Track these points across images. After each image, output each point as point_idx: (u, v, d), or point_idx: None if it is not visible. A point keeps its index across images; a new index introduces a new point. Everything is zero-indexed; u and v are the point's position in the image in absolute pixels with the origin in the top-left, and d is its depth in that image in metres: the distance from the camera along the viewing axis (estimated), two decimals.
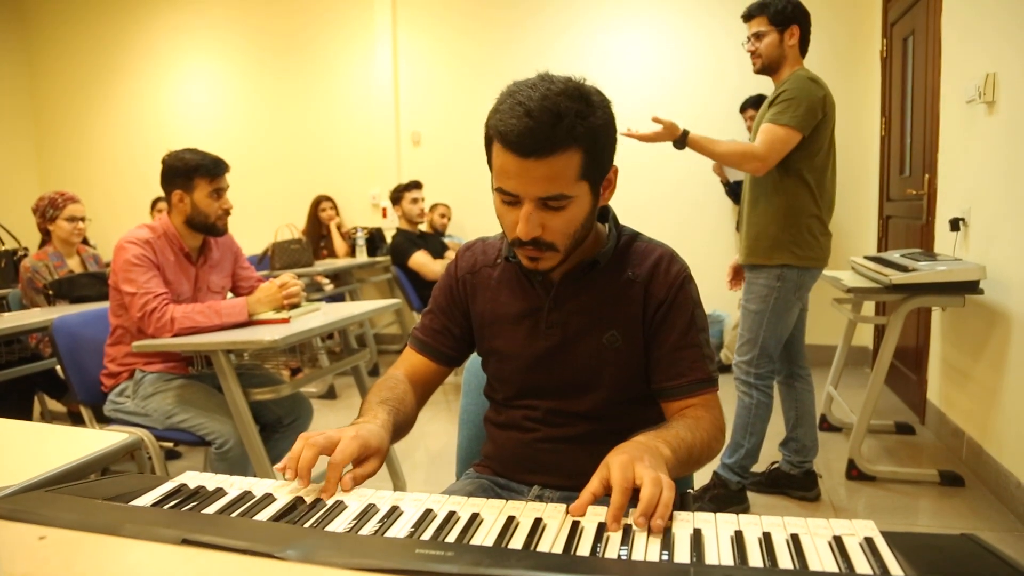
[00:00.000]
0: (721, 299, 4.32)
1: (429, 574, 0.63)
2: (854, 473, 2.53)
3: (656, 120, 2.10)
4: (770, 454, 2.57)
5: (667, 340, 1.07)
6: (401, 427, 1.08)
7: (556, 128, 0.91)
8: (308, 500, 0.85)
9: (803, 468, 2.40)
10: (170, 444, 2.07)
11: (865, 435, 2.54)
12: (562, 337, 1.10)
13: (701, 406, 1.06)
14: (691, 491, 1.27)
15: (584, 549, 0.71)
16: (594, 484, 0.80)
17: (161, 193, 2.17)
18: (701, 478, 2.42)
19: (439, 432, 3.21)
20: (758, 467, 2.47)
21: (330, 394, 3.99)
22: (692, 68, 4.45)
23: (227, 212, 2.14)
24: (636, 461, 0.80)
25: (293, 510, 0.83)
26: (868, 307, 3.83)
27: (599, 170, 0.99)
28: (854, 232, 4.11)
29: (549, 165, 0.93)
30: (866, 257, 2.70)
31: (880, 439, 2.96)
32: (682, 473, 0.92)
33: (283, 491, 0.89)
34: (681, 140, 2.11)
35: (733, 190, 3.92)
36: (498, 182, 0.98)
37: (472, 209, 4.90)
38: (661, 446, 0.89)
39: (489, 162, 0.99)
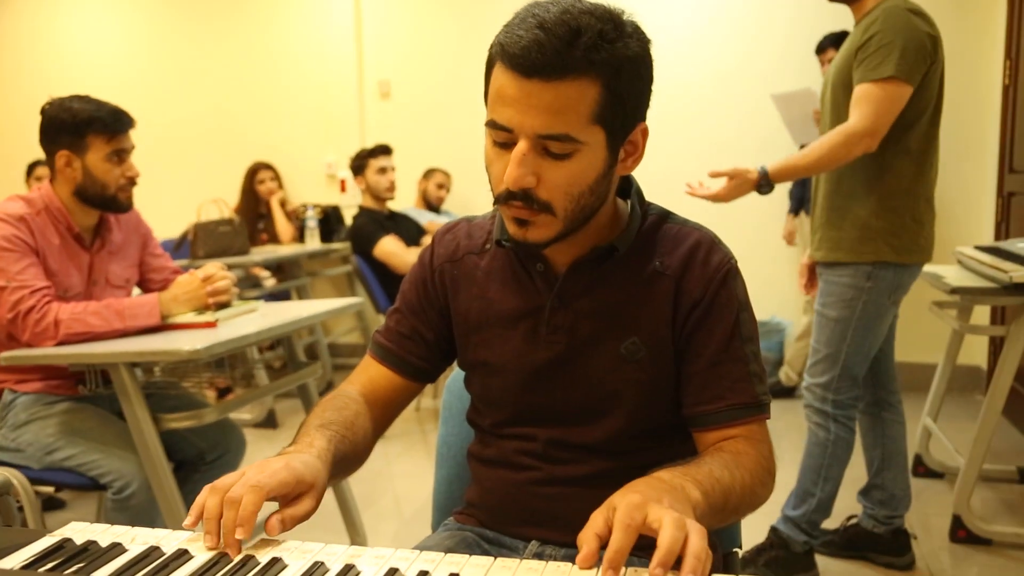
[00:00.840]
0: (780, 300, 4.33)
1: None
2: (961, 534, 2.53)
3: (716, 174, 2.15)
4: (847, 506, 2.57)
5: (704, 352, 1.08)
6: (346, 460, 1.08)
7: (572, 46, 0.93)
8: (235, 559, 0.86)
9: (891, 525, 2.40)
10: (50, 489, 2.06)
11: (976, 483, 2.54)
12: (568, 346, 1.10)
13: (744, 439, 1.07)
14: (739, 551, 1.27)
15: None
16: (597, 522, 0.80)
17: (41, 155, 2.17)
18: (754, 535, 2.42)
19: (413, 472, 3.21)
20: (831, 523, 2.47)
21: (269, 422, 4.00)
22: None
23: (131, 181, 2.14)
24: (652, 502, 0.81)
25: (215, 568, 0.83)
26: (980, 314, 3.84)
27: (621, 118, 0.99)
28: (962, 215, 4.12)
29: (556, 92, 0.94)
30: (977, 248, 2.70)
31: (997, 490, 2.97)
32: (714, 525, 0.92)
33: (201, 546, 0.89)
34: (765, 183, 2.15)
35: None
36: (491, 113, 0.99)
37: (466, 182, 4.91)
38: (688, 486, 0.89)
39: (486, 96, 1.00)
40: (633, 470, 1.11)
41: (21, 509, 1.96)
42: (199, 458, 2.21)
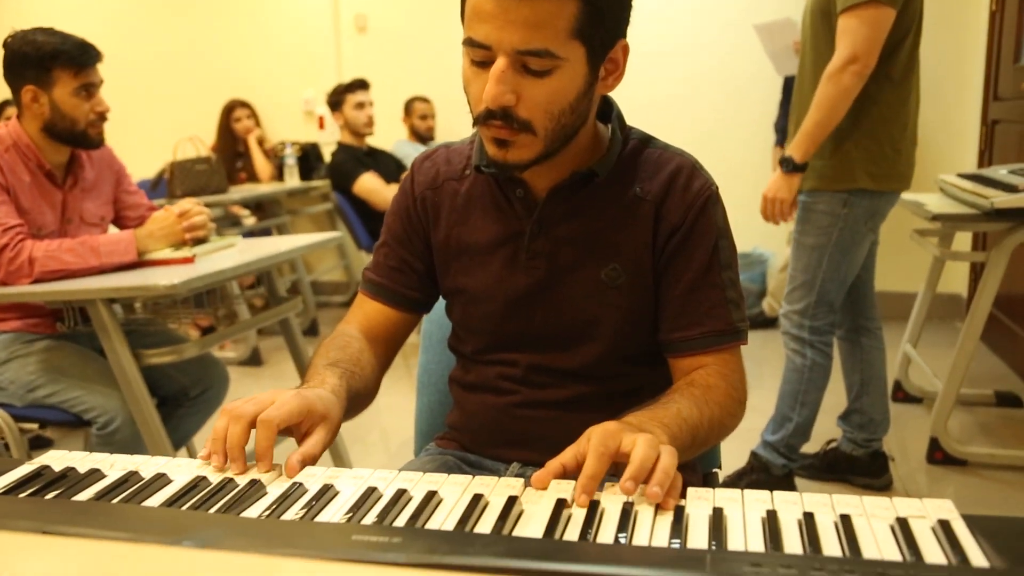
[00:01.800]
0: (763, 231, 4.30)
1: (368, 563, 0.64)
2: (938, 456, 2.59)
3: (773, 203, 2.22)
4: (827, 431, 2.62)
5: (681, 278, 1.08)
6: (359, 396, 1.09)
7: None
8: (213, 480, 0.87)
9: (869, 448, 2.45)
10: (34, 426, 2.07)
11: (953, 407, 2.59)
12: (548, 272, 1.10)
13: (716, 368, 1.08)
14: (718, 470, 1.29)
15: (572, 534, 0.73)
16: (566, 455, 0.83)
17: (7, 93, 2.11)
18: (735, 460, 2.47)
19: (399, 405, 3.23)
20: (810, 447, 2.51)
21: (253, 359, 4.01)
22: None
23: (101, 117, 2.10)
24: (625, 431, 0.83)
25: (194, 491, 0.84)
26: (961, 241, 3.86)
27: (601, 33, 0.98)
28: (945, 143, 4.11)
29: (534, 6, 0.92)
30: (960, 175, 2.70)
31: (974, 413, 3.02)
32: (684, 460, 0.93)
33: (181, 470, 0.90)
34: (793, 166, 2.17)
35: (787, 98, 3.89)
36: (468, 31, 0.97)
37: (450, 113, 4.84)
38: (656, 430, 0.91)
39: (462, 14, 0.98)
40: (613, 394, 1.13)
41: (8, 447, 1.97)
42: (182, 394, 2.21)
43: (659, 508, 0.76)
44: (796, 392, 2.32)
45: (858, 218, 2.19)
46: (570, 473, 0.82)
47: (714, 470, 1.33)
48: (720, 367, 1.08)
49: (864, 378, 2.42)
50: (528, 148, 1.01)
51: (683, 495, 0.79)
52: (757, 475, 2.38)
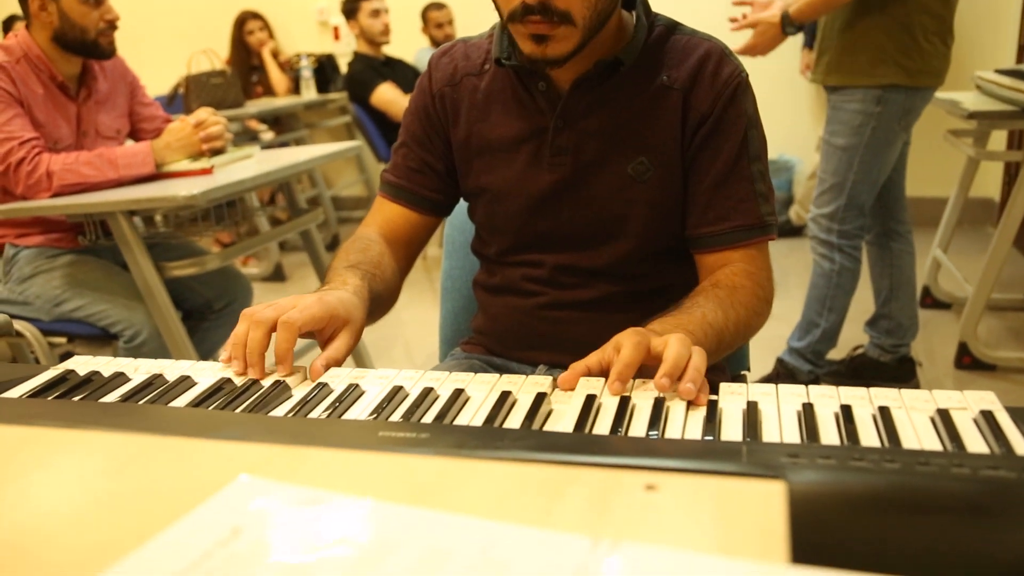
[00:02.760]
0: (790, 137, 4.24)
1: (396, 453, 0.63)
2: (966, 361, 2.56)
3: (740, 2, 2.13)
4: (854, 338, 2.60)
5: (709, 170, 1.06)
6: (381, 298, 1.09)
7: None
8: (238, 382, 0.87)
9: (897, 353, 2.43)
10: (62, 340, 2.09)
11: (983, 312, 2.54)
12: (573, 167, 1.08)
13: (743, 265, 1.06)
14: (747, 372, 1.28)
15: (602, 427, 0.72)
16: (590, 360, 0.82)
17: (15, 6, 2.06)
18: (761, 367, 2.47)
19: (423, 319, 3.25)
20: (837, 353, 2.50)
21: (277, 275, 4.03)
22: None
23: (111, 25, 2.04)
24: (653, 336, 0.82)
25: (218, 394, 0.84)
26: (997, 140, 3.74)
27: None
28: (983, 39, 3.96)
29: None
30: (998, 71, 2.60)
31: (1004, 318, 2.98)
32: (708, 364, 0.92)
33: (205, 373, 0.90)
34: (788, 23, 2.09)
35: None
36: None
37: (470, 15, 4.71)
38: (682, 336, 0.89)
39: None
40: (640, 294, 1.12)
41: (38, 363, 1.99)
42: (207, 307, 2.22)
43: (691, 405, 0.75)
44: (823, 297, 2.30)
45: (891, 116, 2.12)
46: (593, 374, 0.81)
47: (743, 372, 1.32)
48: (747, 264, 1.06)
49: (893, 283, 2.39)
50: (567, 40, 0.97)
51: (724, 374, 0.79)
52: (783, 381, 2.37)
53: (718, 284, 1.03)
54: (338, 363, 0.92)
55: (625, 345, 0.79)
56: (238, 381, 0.87)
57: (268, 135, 4.46)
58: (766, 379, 2.41)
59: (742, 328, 1.01)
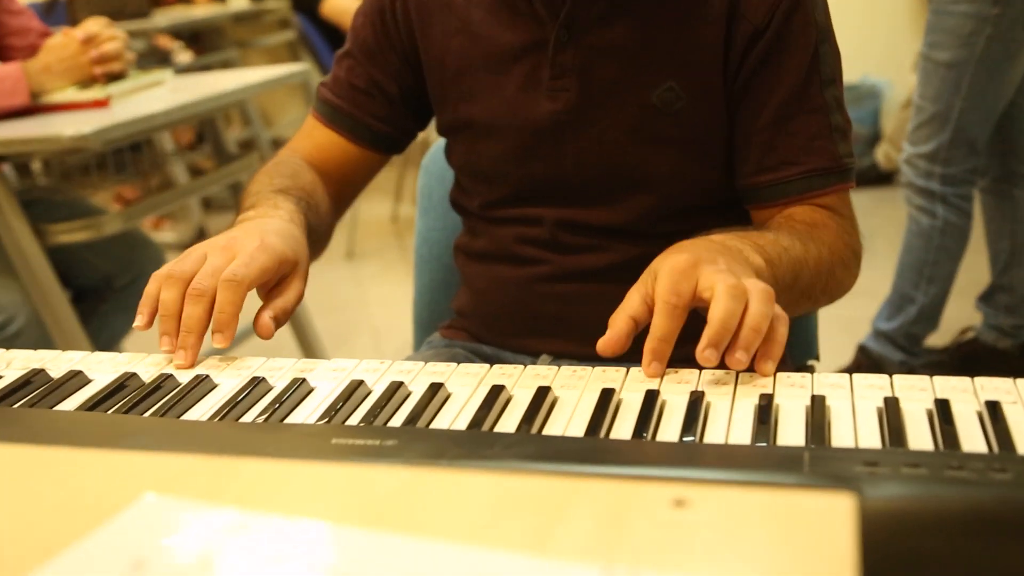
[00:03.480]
0: (877, 54, 4.22)
1: (353, 463, 0.64)
2: None
3: None
4: (963, 317, 2.60)
5: (769, 101, 1.06)
6: (315, 234, 1.12)
7: None
8: (146, 376, 0.87)
9: (1020, 338, 2.44)
10: None
11: None
12: (581, 94, 1.08)
13: (822, 209, 1.07)
14: (815, 363, 1.28)
15: (623, 429, 0.72)
16: (631, 302, 0.82)
17: None
18: (835, 357, 2.46)
19: (394, 298, 3.25)
20: (939, 338, 2.50)
21: (198, 241, 4.02)
22: None
23: None
24: (704, 263, 0.81)
25: (120, 393, 0.84)
26: None
27: None
28: None
29: None
30: None
31: None
32: (785, 309, 0.92)
33: (102, 367, 0.90)
34: None
35: None
36: None
37: None
38: (748, 250, 0.90)
39: None
40: None
41: None
42: (105, 284, 2.21)
43: (739, 392, 0.76)
44: (921, 264, 2.30)
45: (1014, 21, 2.10)
46: (642, 324, 0.81)
47: (810, 363, 1.32)
48: (826, 211, 1.07)
49: (1016, 244, 2.38)
50: None
51: (785, 364, 0.79)
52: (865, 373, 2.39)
53: (792, 217, 1.05)
54: (288, 315, 0.94)
55: (658, 309, 0.79)
56: (145, 375, 0.87)
57: (185, 56, 4.45)
58: (845, 371, 2.41)
59: (824, 272, 1.01)
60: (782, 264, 0.93)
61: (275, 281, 0.96)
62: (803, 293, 0.99)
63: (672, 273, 0.79)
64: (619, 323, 0.81)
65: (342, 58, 1.22)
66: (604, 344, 0.80)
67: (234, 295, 0.89)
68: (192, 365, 0.89)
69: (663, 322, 0.78)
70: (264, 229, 0.97)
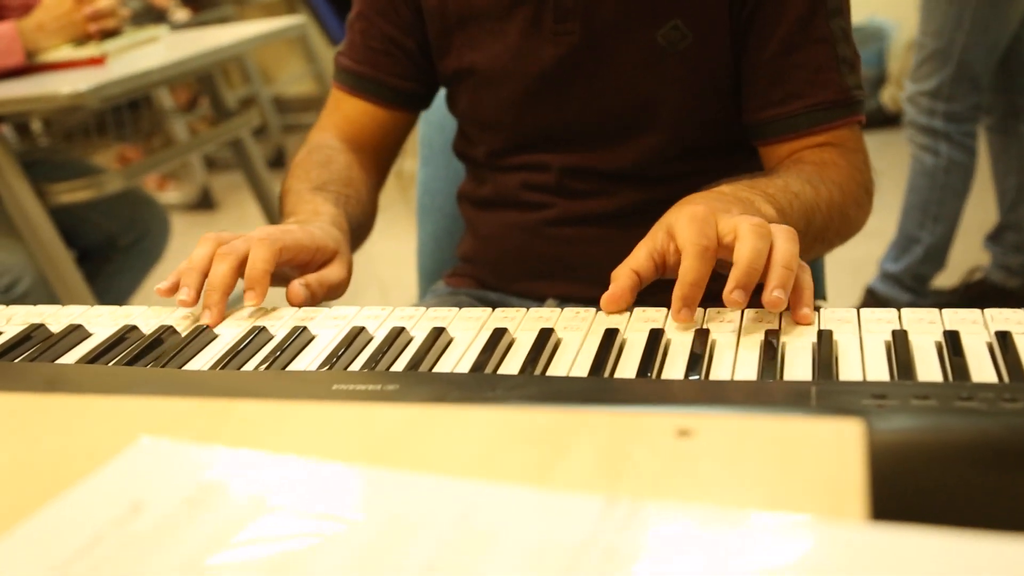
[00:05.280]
0: None
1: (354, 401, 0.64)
2: None
3: None
4: (970, 257, 2.59)
5: (774, 33, 1.05)
6: (360, 226, 1.13)
7: None
8: (147, 329, 0.87)
9: None
10: None
11: None
12: (584, 36, 1.08)
13: (832, 147, 1.06)
14: (822, 303, 1.28)
15: (627, 369, 0.72)
16: (637, 256, 0.81)
17: None
18: (843, 297, 2.45)
19: (400, 253, 3.22)
20: (947, 278, 2.50)
21: (204, 202, 4.05)
22: None
23: None
24: (720, 212, 0.80)
25: (120, 345, 0.85)
26: None
27: None
28: None
29: None
30: None
31: None
32: (801, 256, 0.91)
33: (101, 321, 0.91)
34: None
35: None
36: None
37: None
38: (758, 200, 0.90)
39: None
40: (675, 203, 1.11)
41: None
42: (109, 244, 2.22)
43: (745, 320, 0.76)
44: (926, 203, 2.30)
45: None
46: (646, 281, 0.81)
47: (816, 304, 1.32)
48: (836, 146, 1.06)
49: (1022, 181, 2.37)
50: None
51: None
52: None
53: (801, 159, 1.04)
54: (325, 289, 0.94)
55: (687, 253, 0.77)
56: (146, 327, 0.87)
57: (181, 13, 4.41)
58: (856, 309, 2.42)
59: (836, 214, 1.00)
60: (793, 211, 0.92)
61: (313, 266, 0.95)
62: (816, 238, 0.99)
63: (693, 220, 0.78)
64: (622, 277, 0.80)
65: (354, 22, 1.21)
66: (607, 299, 0.80)
67: (266, 251, 0.88)
68: (218, 323, 0.88)
69: (694, 264, 0.76)
70: (304, 225, 0.97)
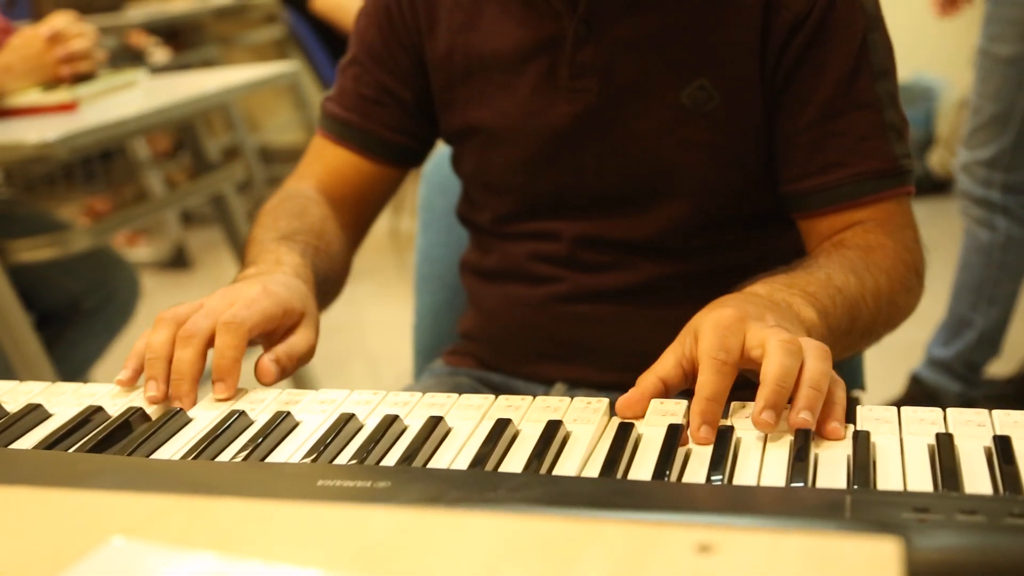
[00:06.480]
0: (931, 49, 4.22)
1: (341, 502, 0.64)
2: None
3: None
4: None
5: (813, 97, 1.06)
6: (327, 282, 1.12)
7: None
8: (113, 410, 0.87)
9: None
10: None
11: None
12: (603, 95, 1.09)
13: (877, 225, 1.06)
14: (860, 392, 1.28)
15: (642, 471, 0.72)
16: (665, 363, 0.81)
17: None
18: (885, 386, 2.46)
19: (392, 323, 3.25)
20: (1003, 366, 2.49)
21: (177, 260, 4.06)
22: None
23: None
24: (751, 320, 0.81)
25: (84, 428, 0.84)
26: None
27: None
28: None
29: None
30: None
31: None
32: (839, 355, 0.92)
33: (64, 400, 0.90)
34: None
35: None
36: None
37: None
38: (798, 302, 0.90)
39: None
40: (703, 277, 1.13)
41: None
42: (72, 307, 2.21)
43: (770, 437, 0.75)
44: (981, 283, 2.29)
45: None
46: (673, 390, 0.81)
47: (854, 394, 1.32)
48: (882, 223, 1.06)
49: None
50: None
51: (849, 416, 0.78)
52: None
53: (843, 243, 1.04)
54: (294, 361, 0.93)
55: (705, 366, 0.78)
56: (112, 409, 0.87)
57: (161, 54, 4.47)
58: (896, 404, 2.40)
59: (884, 304, 1.00)
60: (837, 309, 0.93)
61: (280, 333, 0.95)
62: (863, 334, 0.99)
63: (717, 328, 0.79)
64: (646, 383, 0.81)
65: (347, 67, 1.22)
66: (624, 402, 0.80)
67: (234, 338, 0.88)
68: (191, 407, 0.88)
69: (711, 380, 0.77)
70: (266, 280, 0.97)
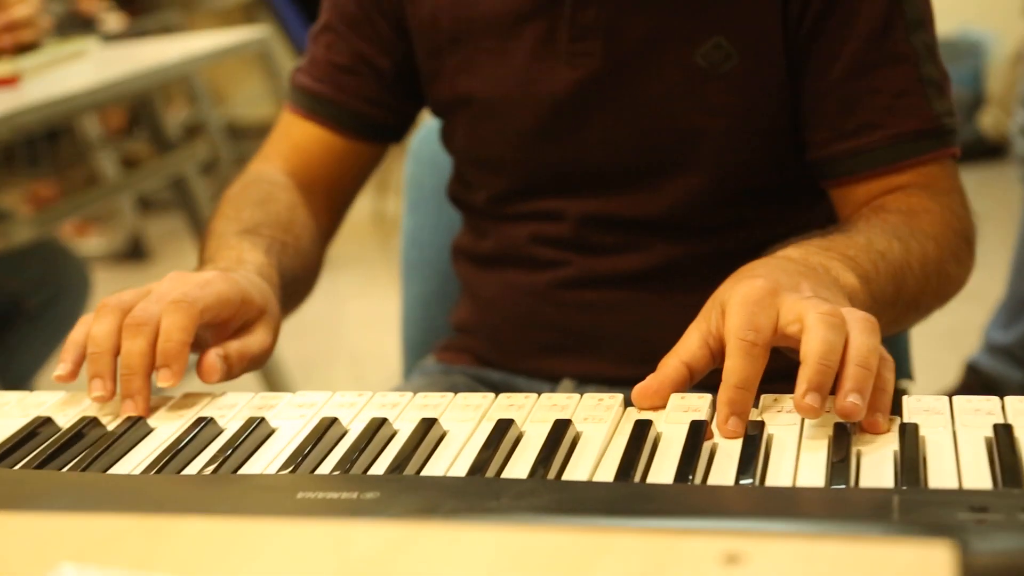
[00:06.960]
0: (978, 1, 4.21)
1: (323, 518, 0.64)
2: None
3: None
4: None
5: (841, 52, 1.06)
6: (296, 280, 1.13)
7: None
8: (64, 421, 0.87)
9: None
10: None
11: None
12: (608, 59, 1.09)
13: (921, 188, 1.06)
14: (908, 382, 1.28)
15: (662, 473, 0.72)
16: (690, 343, 0.81)
17: None
18: (937, 375, 2.46)
19: (377, 316, 3.26)
20: None
21: (133, 251, 4.06)
22: None
23: None
24: (784, 291, 0.80)
25: (31, 442, 0.84)
26: None
27: None
28: None
29: None
30: None
31: None
32: (887, 328, 0.92)
33: (9, 409, 0.91)
34: None
35: None
36: None
37: None
38: (836, 266, 0.90)
39: None
40: (724, 257, 1.11)
41: None
42: (13, 307, 2.23)
43: (810, 432, 0.75)
44: None
45: None
46: (699, 374, 0.81)
47: (900, 383, 1.32)
48: (926, 187, 1.06)
49: None
50: None
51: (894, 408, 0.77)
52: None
53: (884, 208, 1.04)
54: (247, 360, 0.93)
55: (732, 347, 0.77)
56: (61, 419, 0.87)
57: (114, 21, 4.47)
58: (950, 395, 2.41)
59: (932, 272, 1.00)
60: (880, 276, 0.93)
61: (236, 325, 0.94)
62: (909, 305, 0.99)
63: (746, 304, 0.78)
64: (667, 368, 0.80)
65: (319, 34, 1.22)
66: (641, 391, 0.80)
67: (184, 318, 0.87)
68: (146, 414, 0.87)
69: (740, 364, 0.76)
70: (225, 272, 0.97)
